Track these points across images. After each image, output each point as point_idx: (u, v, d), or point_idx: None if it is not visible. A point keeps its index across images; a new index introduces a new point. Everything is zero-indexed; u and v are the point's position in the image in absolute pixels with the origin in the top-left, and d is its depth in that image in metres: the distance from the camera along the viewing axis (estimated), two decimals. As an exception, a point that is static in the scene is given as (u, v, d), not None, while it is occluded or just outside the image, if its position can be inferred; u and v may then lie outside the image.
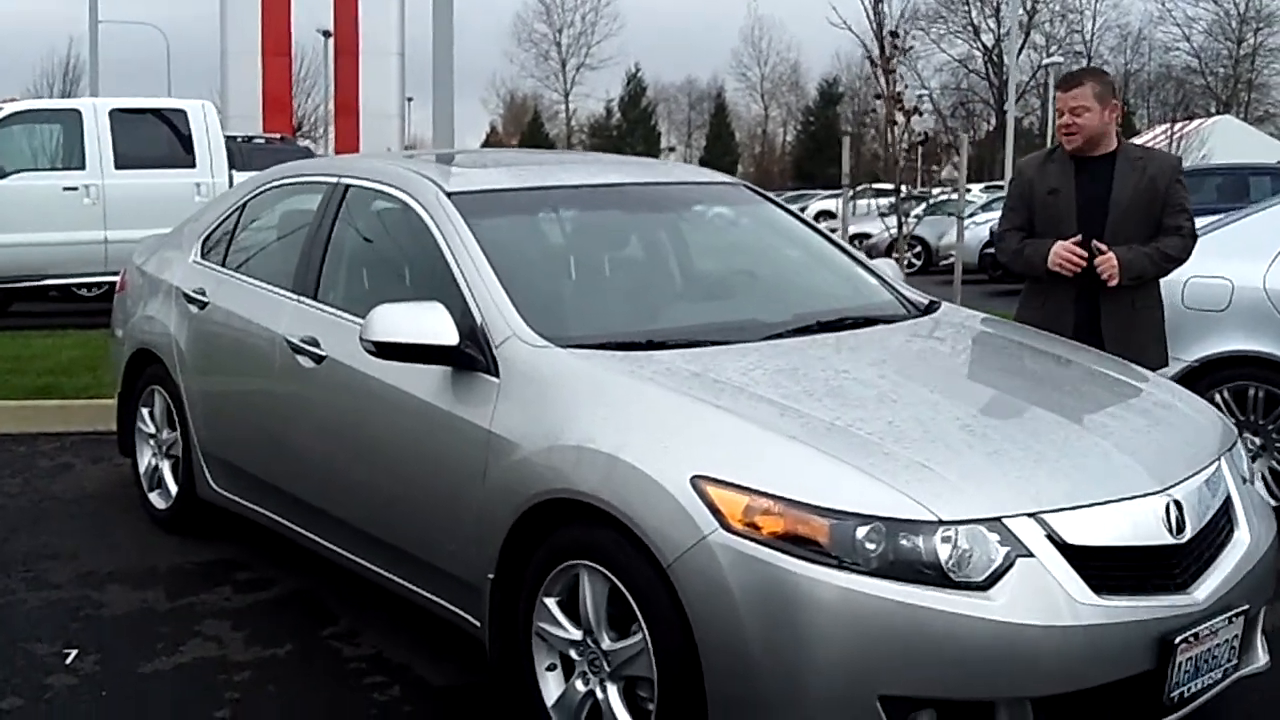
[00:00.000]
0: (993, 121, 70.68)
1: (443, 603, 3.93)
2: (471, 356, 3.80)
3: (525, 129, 71.77)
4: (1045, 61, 60.28)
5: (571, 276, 4.43)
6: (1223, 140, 43.74)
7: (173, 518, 5.54)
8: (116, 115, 12.24)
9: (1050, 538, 3.00)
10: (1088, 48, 69.95)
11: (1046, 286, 5.02)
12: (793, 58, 77.48)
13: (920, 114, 9.70)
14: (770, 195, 5.14)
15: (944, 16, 68.89)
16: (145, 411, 5.71)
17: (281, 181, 5.32)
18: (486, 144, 70.67)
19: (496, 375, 3.73)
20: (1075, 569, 2.98)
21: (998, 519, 2.99)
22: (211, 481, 5.19)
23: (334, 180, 4.83)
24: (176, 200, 12.06)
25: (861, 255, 4.95)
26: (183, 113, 12.58)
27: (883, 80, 9.28)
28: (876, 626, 2.90)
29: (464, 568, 3.76)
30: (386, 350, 3.82)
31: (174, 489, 5.52)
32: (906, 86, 10.50)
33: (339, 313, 4.44)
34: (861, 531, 2.94)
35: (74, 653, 4.26)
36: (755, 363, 3.67)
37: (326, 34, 34.17)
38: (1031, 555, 2.97)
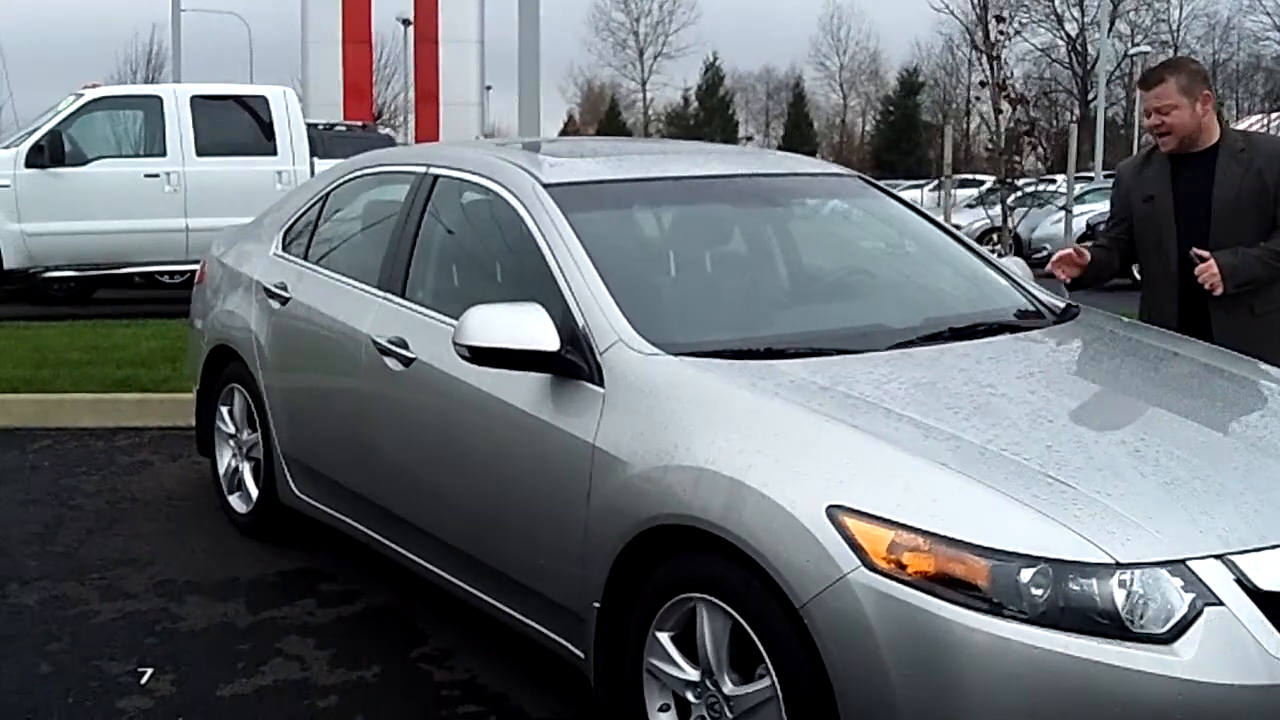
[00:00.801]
0: (1076, 111, 69.41)
1: (543, 630, 3.63)
2: (573, 363, 3.49)
3: (603, 118, 71.53)
4: (1131, 51, 59.04)
5: (679, 276, 4.11)
6: (1319, 131, 42.50)
7: (253, 523, 5.30)
8: (197, 102, 12.10)
9: (1240, 583, 2.63)
10: (1174, 37, 68.30)
11: (1148, 294, 4.62)
12: (872, 46, 76.59)
13: (1027, 102, 9.23)
14: (885, 187, 4.77)
15: (1026, 5, 67.66)
16: (225, 410, 5.48)
17: (366, 171, 5.05)
18: (564, 133, 70.47)
19: (601, 384, 3.42)
20: (1270, 619, 2.61)
21: (1182, 561, 2.62)
22: (293, 486, 4.93)
23: (421, 170, 4.54)
24: (258, 188, 11.92)
25: (987, 253, 4.58)
26: (264, 99, 12.41)
27: (987, 67, 8.85)
28: (1046, 683, 2.55)
29: (567, 594, 3.46)
30: (481, 355, 3.52)
31: (255, 493, 5.28)
32: (1012, 73, 10.04)
33: (429, 312, 4.15)
34: (1026, 574, 2.59)
35: (149, 672, 4.01)
36: (888, 375, 3.32)
37: (406, 22, 34.12)
38: (1221, 603, 2.60)
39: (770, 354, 3.43)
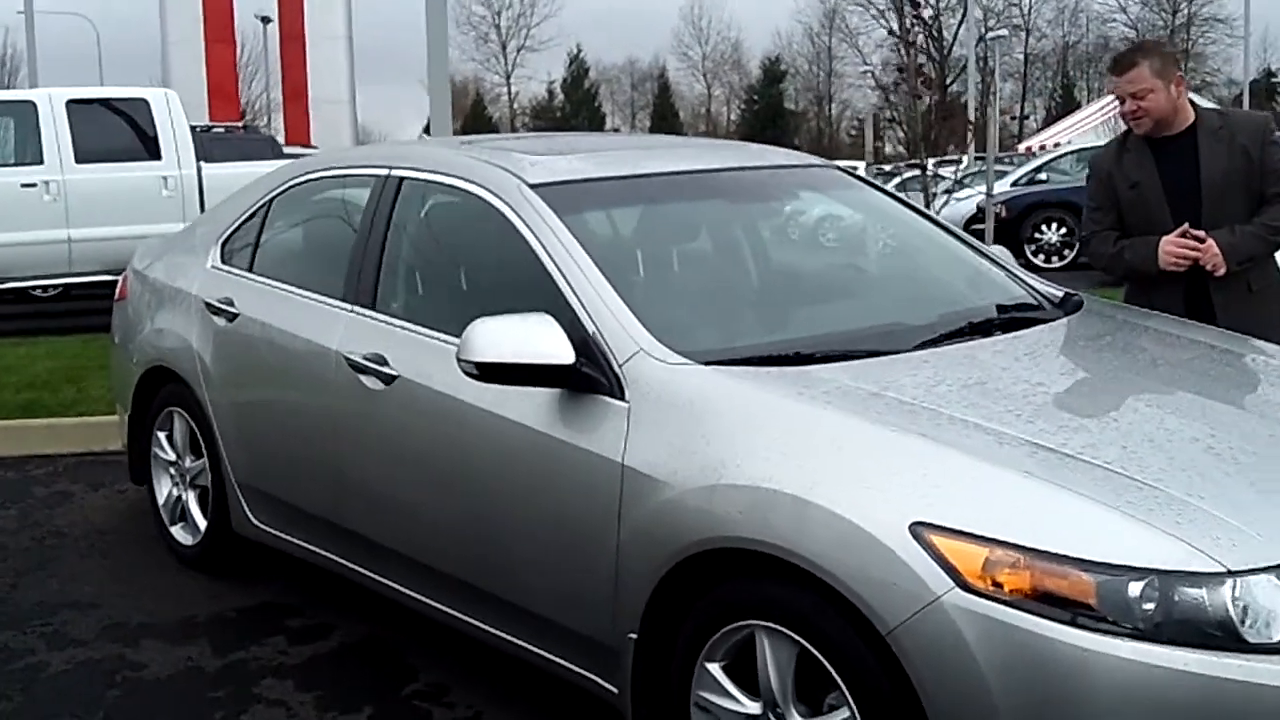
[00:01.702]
0: (934, 95, 70.79)
1: (566, 664, 3.38)
2: (590, 377, 3.25)
3: (468, 112, 70.82)
4: (988, 36, 60.29)
5: (686, 278, 3.89)
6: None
7: (202, 555, 4.93)
8: (74, 106, 11.42)
9: None
10: (1026, 20, 70.09)
11: (1149, 285, 4.51)
12: (733, 36, 77.09)
13: (947, 90, 9.17)
14: (864, 177, 4.61)
15: (883, -12, 69.14)
16: (162, 436, 5.10)
17: (312, 175, 4.70)
18: (429, 128, 69.66)
19: (622, 398, 3.19)
20: None
21: None
22: (250, 515, 4.59)
23: (383, 172, 4.24)
24: (142, 195, 11.42)
25: (977, 242, 4.43)
26: (144, 102, 11.79)
27: (903, 52, 8.78)
28: (1163, 701, 2.39)
29: (595, 625, 3.22)
30: (489, 371, 3.26)
31: (202, 523, 4.91)
32: (930, 60, 9.97)
33: (409, 326, 3.87)
34: (1135, 588, 2.43)
35: (121, 730, 3.67)
36: (934, 377, 3.15)
37: (265, 19, 33.40)
38: None
39: (799, 359, 3.24)
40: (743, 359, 3.21)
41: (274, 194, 4.78)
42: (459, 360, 3.30)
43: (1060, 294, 4.14)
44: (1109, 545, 2.47)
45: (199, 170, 11.67)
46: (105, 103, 11.83)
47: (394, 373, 3.80)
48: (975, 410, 2.92)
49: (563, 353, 3.24)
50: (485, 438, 3.49)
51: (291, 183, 4.74)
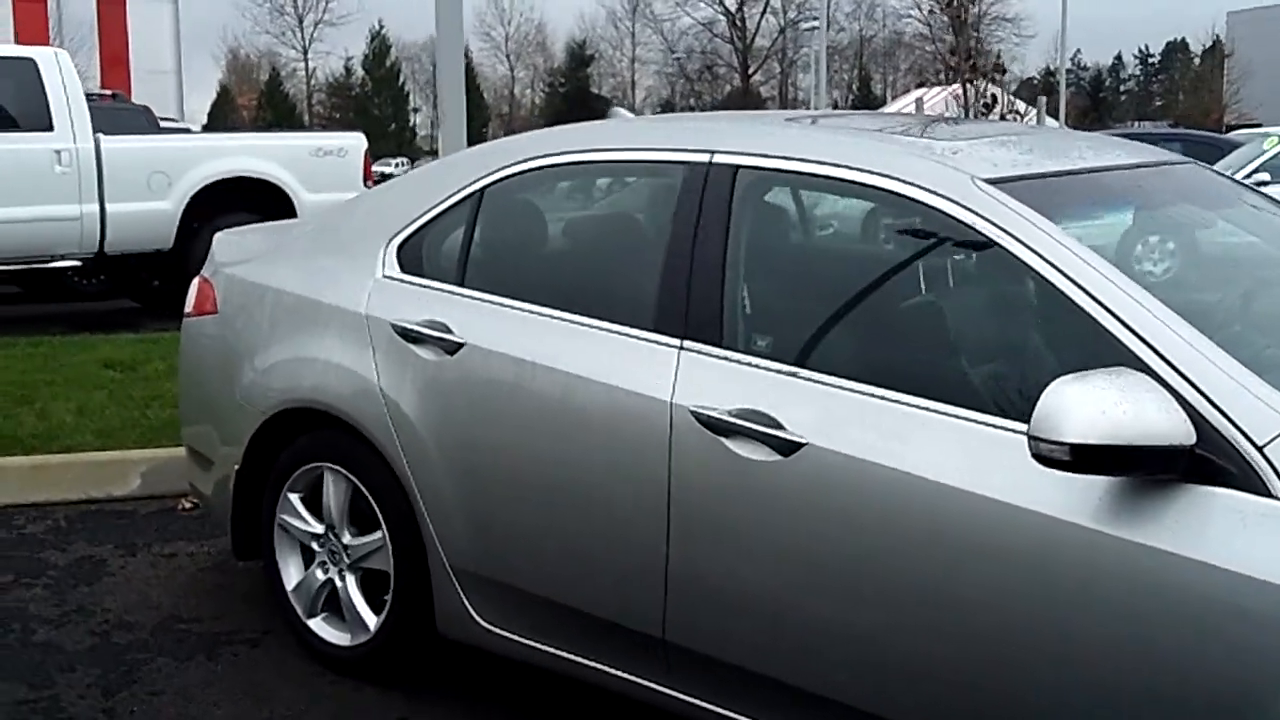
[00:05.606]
0: (735, 82, 71.29)
1: None
2: (1209, 462, 2.29)
3: (263, 88, 67.72)
4: (805, 27, 60.84)
5: (1241, 310, 2.92)
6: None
7: (368, 660, 3.71)
8: (-57, 65, 9.69)
9: None
10: (827, 13, 71.03)
11: None
12: (537, 18, 75.92)
13: (1002, 73, 8.40)
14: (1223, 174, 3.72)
15: (687, -21, 69.54)
16: (296, 500, 3.85)
17: (557, 159, 3.49)
18: (218, 105, 66.14)
19: (1272, 495, 2.23)
20: None
21: None
22: (474, 613, 3.42)
23: (699, 159, 3.12)
24: (32, 171, 9.77)
25: None
26: (30, 62, 10.03)
27: (952, 36, 7.97)
28: None
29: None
30: (1087, 457, 2.26)
31: (370, 619, 3.69)
32: (994, 44, 9.16)
33: (805, 373, 2.81)
34: None
35: None
36: None
37: (70, -25, 30.80)
38: None
39: None
40: None
41: (484, 183, 3.57)
42: (1036, 441, 2.28)
43: None
44: None
45: (98, 144, 10.04)
46: (-18, 61, 10.06)
47: (796, 439, 2.73)
48: None
49: (1179, 430, 2.27)
50: (994, 538, 2.47)
51: (513, 169, 3.54)
